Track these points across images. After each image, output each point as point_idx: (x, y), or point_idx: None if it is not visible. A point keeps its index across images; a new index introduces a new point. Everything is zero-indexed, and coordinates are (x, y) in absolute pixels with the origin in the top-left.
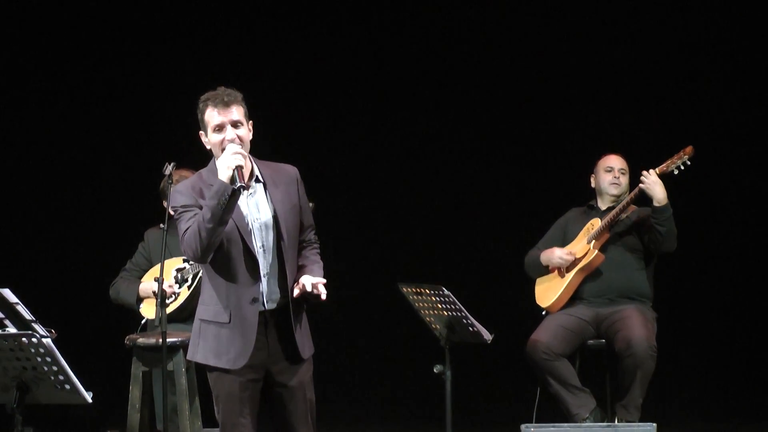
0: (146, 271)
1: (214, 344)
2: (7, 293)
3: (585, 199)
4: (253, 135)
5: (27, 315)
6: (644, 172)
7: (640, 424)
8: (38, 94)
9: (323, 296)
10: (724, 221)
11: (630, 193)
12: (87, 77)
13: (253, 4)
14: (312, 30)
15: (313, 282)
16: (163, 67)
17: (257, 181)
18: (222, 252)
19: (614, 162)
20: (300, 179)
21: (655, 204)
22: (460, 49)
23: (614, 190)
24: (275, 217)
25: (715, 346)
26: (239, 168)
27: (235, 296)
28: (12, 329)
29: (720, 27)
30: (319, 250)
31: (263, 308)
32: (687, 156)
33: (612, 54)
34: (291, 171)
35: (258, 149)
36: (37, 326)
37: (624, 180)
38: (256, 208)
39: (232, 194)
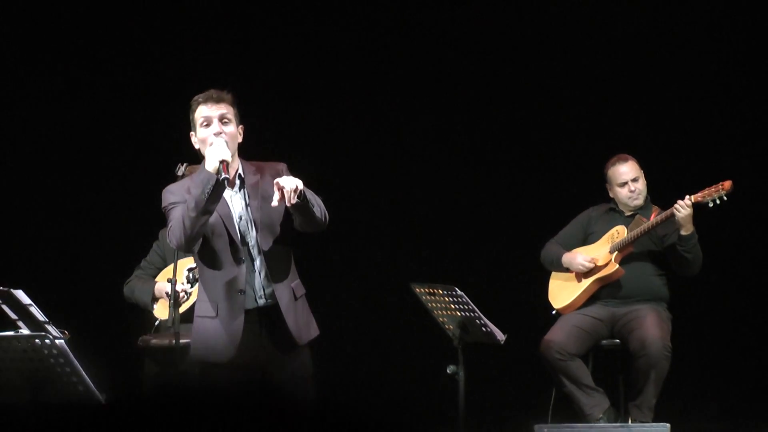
0: (161, 269)
1: (204, 338)
2: (21, 295)
3: (598, 198)
4: (255, 138)
5: (40, 316)
6: (680, 202)
7: (653, 424)
8: (48, 95)
9: (284, 190)
10: (740, 219)
11: (658, 212)
12: (100, 76)
13: (257, 5)
14: (313, 31)
15: (278, 182)
16: (176, 65)
17: (240, 179)
18: (208, 246)
19: (624, 174)
20: (286, 173)
21: (683, 233)
22: (468, 46)
23: (635, 202)
24: (252, 214)
25: (730, 346)
26: (224, 162)
27: (221, 289)
28: (25, 330)
29: (741, 26)
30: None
31: (256, 304)
32: (725, 191)
33: (618, 51)
34: (277, 166)
35: (268, 152)
36: (50, 327)
37: (640, 185)
38: (240, 205)
39: (216, 185)
